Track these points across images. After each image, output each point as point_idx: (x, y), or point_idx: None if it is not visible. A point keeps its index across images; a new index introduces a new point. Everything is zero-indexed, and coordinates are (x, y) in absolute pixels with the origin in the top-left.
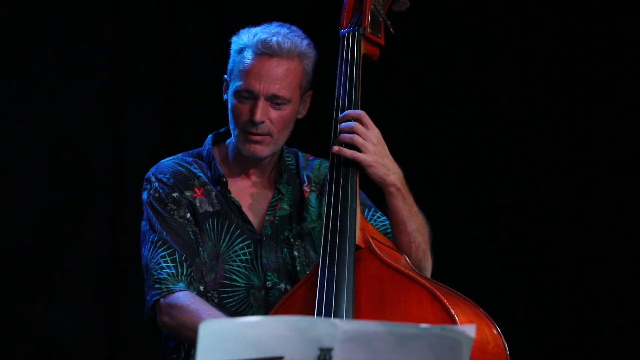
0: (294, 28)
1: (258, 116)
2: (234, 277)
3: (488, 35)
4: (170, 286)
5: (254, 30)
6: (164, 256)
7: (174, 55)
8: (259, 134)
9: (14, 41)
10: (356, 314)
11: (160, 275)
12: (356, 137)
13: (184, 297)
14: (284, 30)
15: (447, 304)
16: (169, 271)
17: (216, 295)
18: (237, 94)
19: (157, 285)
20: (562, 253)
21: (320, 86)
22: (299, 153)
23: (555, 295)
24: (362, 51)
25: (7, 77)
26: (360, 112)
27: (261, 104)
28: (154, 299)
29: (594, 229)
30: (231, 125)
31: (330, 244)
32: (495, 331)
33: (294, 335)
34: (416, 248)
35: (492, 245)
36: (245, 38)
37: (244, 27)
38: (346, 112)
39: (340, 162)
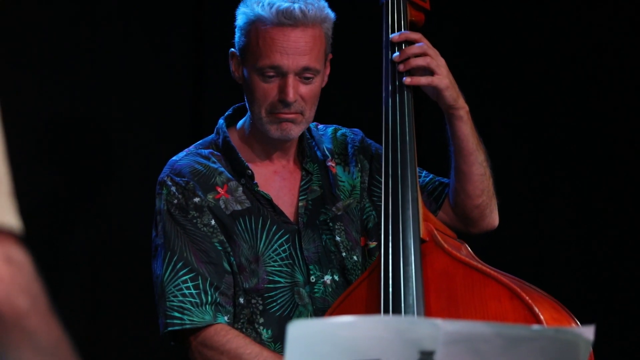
0: None
1: (291, 95)
2: (277, 278)
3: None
4: (195, 319)
5: None
6: (185, 281)
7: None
8: (291, 114)
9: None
10: (427, 314)
11: (182, 304)
12: (429, 59)
13: (217, 335)
14: None
15: (529, 300)
16: (192, 300)
17: (261, 302)
18: (260, 71)
19: (176, 314)
20: None
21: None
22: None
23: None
24: (409, 18)
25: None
26: (419, 34)
27: (291, 80)
28: (169, 328)
29: None
30: (252, 107)
31: (393, 239)
32: (575, 326)
33: (392, 336)
34: (488, 181)
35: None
36: (258, 8)
37: None
38: (402, 32)
39: (396, 142)
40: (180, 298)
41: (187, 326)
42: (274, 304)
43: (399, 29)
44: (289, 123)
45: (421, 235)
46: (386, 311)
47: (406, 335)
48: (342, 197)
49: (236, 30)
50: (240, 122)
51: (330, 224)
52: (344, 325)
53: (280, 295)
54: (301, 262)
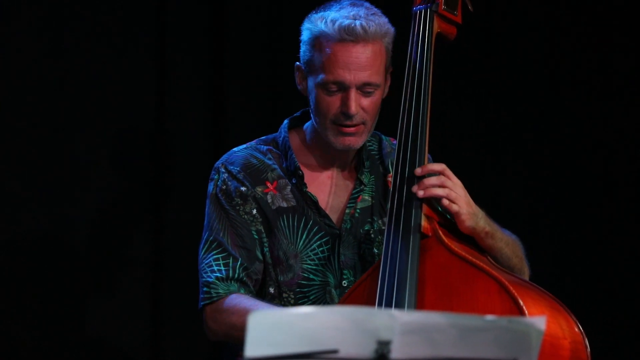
0: (367, 5)
1: (353, 109)
2: (312, 276)
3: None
4: (220, 291)
5: (328, 14)
6: (217, 259)
7: (219, 39)
8: (353, 125)
9: (55, 31)
10: (420, 306)
11: (209, 279)
12: (449, 192)
13: (230, 299)
14: (362, 12)
15: (515, 294)
16: (219, 275)
17: (292, 296)
18: (323, 86)
19: (205, 289)
20: None
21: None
22: (382, 137)
23: None
24: (435, 30)
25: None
26: (442, 166)
27: (353, 94)
28: (201, 303)
29: None
30: (317, 118)
31: (393, 234)
32: (576, 329)
33: (350, 327)
34: (514, 260)
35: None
36: (321, 24)
37: (300, 8)
38: (424, 165)
39: (408, 142)
40: (209, 274)
41: (214, 299)
42: (306, 299)
43: (423, 41)
44: (351, 137)
45: (422, 231)
46: (380, 303)
47: (363, 325)
48: None
49: (301, 44)
50: (307, 124)
51: (372, 236)
52: (303, 316)
53: (313, 292)
54: (335, 266)
